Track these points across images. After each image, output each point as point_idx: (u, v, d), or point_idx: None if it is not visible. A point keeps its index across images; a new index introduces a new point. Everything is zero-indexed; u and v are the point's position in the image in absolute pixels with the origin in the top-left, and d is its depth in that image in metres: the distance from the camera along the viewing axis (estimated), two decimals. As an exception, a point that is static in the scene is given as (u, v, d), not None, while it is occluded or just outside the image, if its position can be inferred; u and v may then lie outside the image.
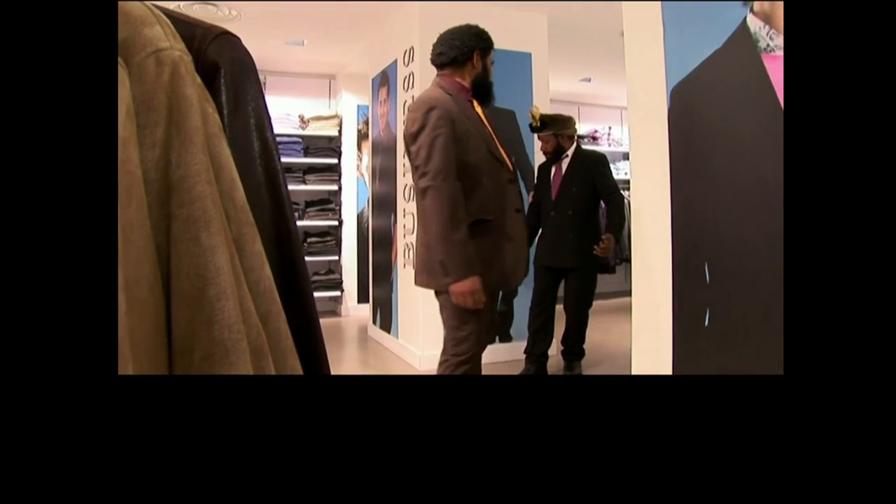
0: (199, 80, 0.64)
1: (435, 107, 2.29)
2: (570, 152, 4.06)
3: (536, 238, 4.15)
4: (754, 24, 1.91)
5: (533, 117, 4.00)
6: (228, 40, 0.72)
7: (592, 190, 3.99)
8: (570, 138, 4.09)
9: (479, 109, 2.46)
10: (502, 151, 2.43)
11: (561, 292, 4.12)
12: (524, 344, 4.42)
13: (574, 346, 4.16)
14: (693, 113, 2.17)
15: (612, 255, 4.87)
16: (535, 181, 4.29)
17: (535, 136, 4.19)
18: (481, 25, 2.35)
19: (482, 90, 2.49)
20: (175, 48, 0.61)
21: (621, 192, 4.09)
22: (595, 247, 3.79)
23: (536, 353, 4.05)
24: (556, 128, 4.04)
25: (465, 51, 2.45)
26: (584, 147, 4.19)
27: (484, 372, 4.07)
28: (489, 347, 4.18)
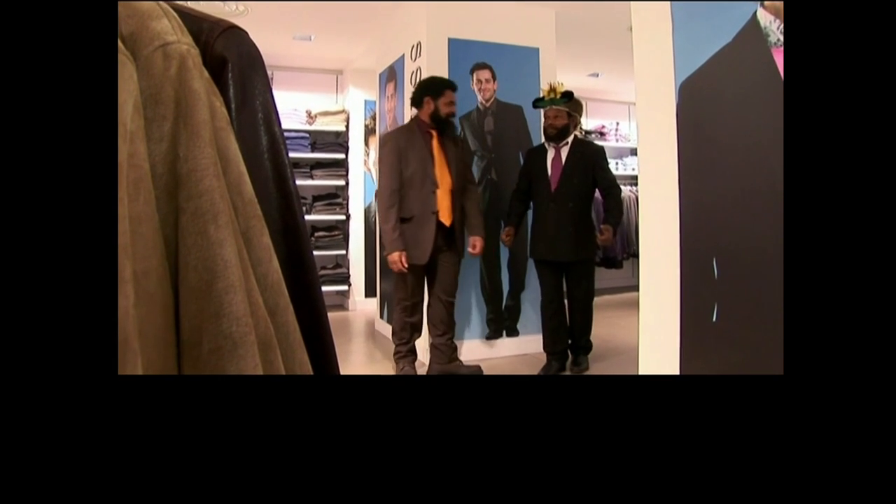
0: (206, 73, 0.64)
1: (387, 141, 3.81)
2: (569, 140, 3.94)
3: (521, 226, 4.12)
4: (765, 18, 1.90)
5: (553, 89, 3.89)
6: (236, 34, 0.72)
7: (592, 182, 3.90)
8: (576, 126, 3.99)
9: (436, 139, 3.71)
10: (437, 170, 3.66)
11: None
12: (532, 338, 4.42)
13: (581, 339, 4.10)
14: (702, 108, 2.16)
15: (619, 250, 4.83)
16: (523, 166, 4.16)
17: (543, 111, 4.04)
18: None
19: (438, 122, 3.73)
20: (182, 42, 0.61)
21: (619, 185, 4.02)
22: (597, 235, 3.82)
23: (558, 350, 4.00)
24: (574, 108, 3.94)
25: (416, 97, 3.80)
26: (579, 138, 4.10)
27: (494, 365, 4.12)
28: (498, 342, 4.21)
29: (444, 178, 3.71)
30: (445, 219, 3.71)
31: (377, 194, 3.85)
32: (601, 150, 4.08)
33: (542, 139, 4.04)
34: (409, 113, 4.65)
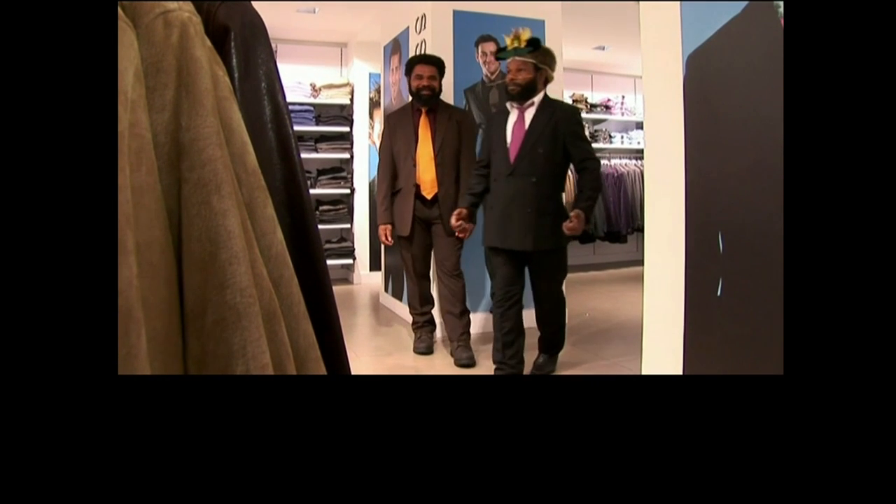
0: (208, 42, 0.63)
1: (384, 121, 4.14)
2: (536, 100, 3.08)
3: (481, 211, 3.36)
4: (774, -12, 1.87)
5: (517, 37, 3.09)
6: (239, 3, 0.71)
7: (563, 153, 3.05)
8: (546, 82, 3.14)
9: (424, 115, 3.75)
10: (419, 146, 3.71)
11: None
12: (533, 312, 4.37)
13: (547, 330, 3.33)
14: (710, 81, 2.14)
15: (623, 224, 4.52)
16: (483, 134, 3.43)
17: (507, 62, 3.19)
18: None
19: (414, 97, 3.77)
20: (184, 9, 0.60)
21: (598, 158, 3.16)
22: (566, 223, 2.93)
23: (511, 361, 3.19)
24: (543, 59, 3.11)
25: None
26: (550, 98, 3.19)
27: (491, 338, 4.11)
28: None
29: (425, 153, 3.74)
30: (427, 192, 3.73)
31: None
32: (576, 112, 3.24)
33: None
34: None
